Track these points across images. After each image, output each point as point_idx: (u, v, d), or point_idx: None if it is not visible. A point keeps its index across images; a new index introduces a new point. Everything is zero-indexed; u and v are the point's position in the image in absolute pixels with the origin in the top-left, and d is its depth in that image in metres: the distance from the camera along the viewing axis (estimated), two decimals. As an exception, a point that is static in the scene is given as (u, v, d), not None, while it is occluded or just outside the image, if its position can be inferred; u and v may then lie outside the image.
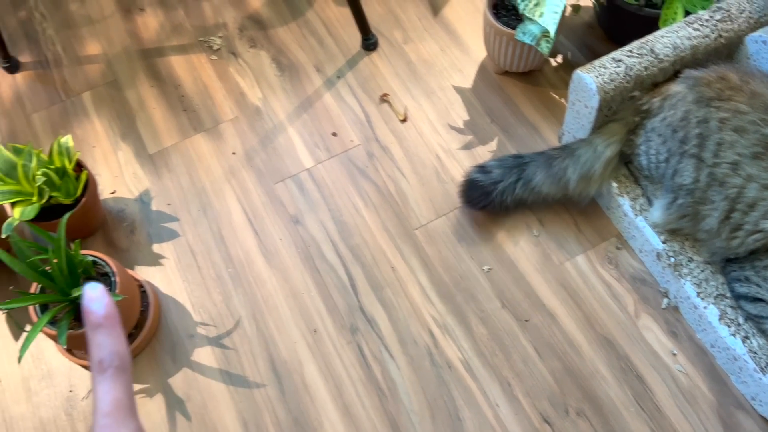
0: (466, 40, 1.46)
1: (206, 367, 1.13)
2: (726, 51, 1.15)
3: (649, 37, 1.13)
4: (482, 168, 1.23)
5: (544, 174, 1.18)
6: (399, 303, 1.17)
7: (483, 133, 1.34)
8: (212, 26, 1.52)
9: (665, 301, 1.15)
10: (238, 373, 1.12)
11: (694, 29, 1.13)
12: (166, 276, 1.21)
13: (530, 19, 1.17)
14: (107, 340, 0.38)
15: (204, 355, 1.14)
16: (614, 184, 1.18)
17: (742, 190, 1.01)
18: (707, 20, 1.13)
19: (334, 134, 1.35)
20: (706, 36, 1.12)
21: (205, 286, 1.20)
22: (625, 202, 1.17)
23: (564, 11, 1.21)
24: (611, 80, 1.09)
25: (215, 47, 1.48)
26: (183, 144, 1.35)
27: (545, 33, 1.16)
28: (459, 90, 1.40)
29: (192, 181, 1.31)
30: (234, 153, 1.34)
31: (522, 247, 1.22)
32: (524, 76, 1.41)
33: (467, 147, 1.33)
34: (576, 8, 1.32)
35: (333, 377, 1.11)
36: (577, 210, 1.24)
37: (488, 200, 1.21)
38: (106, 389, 0.37)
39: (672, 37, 1.12)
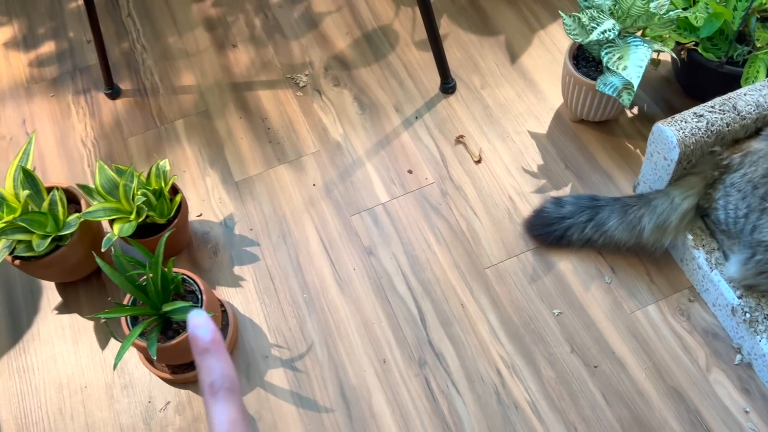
0: (543, 88, 1.50)
1: (278, 388, 1.17)
2: (810, 111, 1.15)
3: (732, 94, 1.15)
4: (557, 200, 1.27)
5: (618, 220, 1.20)
6: (467, 340, 1.19)
7: (556, 178, 1.37)
8: (299, 64, 1.60)
9: (738, 357, 1.14)
10: (308, 396, 1.16)
11: (778, 88, 1.14)
12: (245, 297, 1.27)
13: (612, 71, 1.20)
14: (216, 364, 0.39)
15: (277, 376, 1.18)
16: (689, 236, 1.18)
17: (824, 250, 1.00)
18: (791, 80, 1.14)
19: (410, 171, 1.40)
20: (790, 95, 1.13)
21: (281, 310, 1.25)
22: (700, 255, 1.17)
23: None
24: (692, 134, 1.11)
25: (301, 84, 1.56)
26: (267, 173, 1.42)
27: (627, 85, 1.19)
28: (534, 135, 1.43)
29: (274, 208, 1.37)
30: (314, 184, 1.40)
31: (593, 293, 1.23)
32: (599, 125, 1.43)
33: (540, 191, 1.35)
34: (655, 63, 1.34)
35: (400, 408, 1.13)
36: (649, 260, 1.25)
37: (547, 231, 1.24)
38: (221, 410, 0.38)
39: (755, 96, 1.13)
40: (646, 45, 1.15)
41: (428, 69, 1.55)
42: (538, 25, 1.62)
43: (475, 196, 1.36)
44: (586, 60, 1.35)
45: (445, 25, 1.65)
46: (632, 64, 1.13)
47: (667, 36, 1.27)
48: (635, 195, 1.21)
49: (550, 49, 1.57)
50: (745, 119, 1.12)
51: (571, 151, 1.41)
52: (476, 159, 1.41)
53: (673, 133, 1.11)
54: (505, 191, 1.36)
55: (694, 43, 1.27)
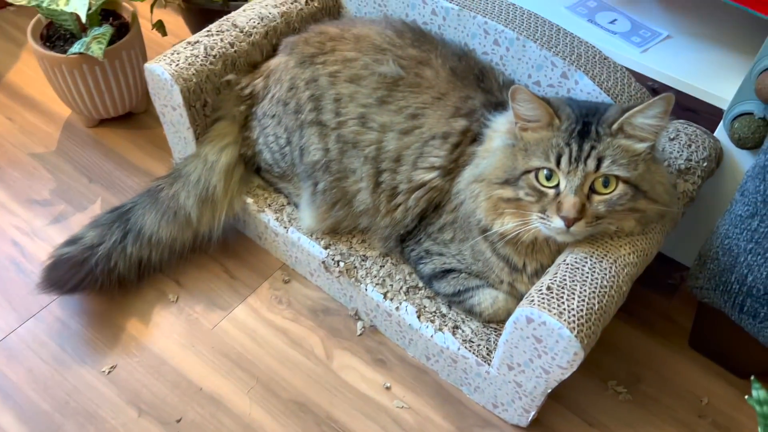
0: (43, 101, 1.12)
1: None
2: (326, 15, 0.97)
3: (231, 14, 0.91)
4: (72, 239, 0.86)
5: (154, 214, 0.85)
6: (-35, 473, 0.71)
7: (80, 198, 0.98)
8: None
9: (359, 324, 0.86)
10: None
11: (280, -3, 0.93)
12: None
13: (83, 36, 0.87)
14: None
15: None
16: (249, 200, 0.89)
17: (380, 145, 0.78)
18: (292, -14, 0.95)
19: None
20: (295, 1, 0.93)
21: None
22: (269, 218, 0.88)
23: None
24: (190, 64, 0.83)
25: None
26: None
27: (96, 36, 0.87)
28: (38, 157, 1.03)
29: None
30: None
31: (157, 323, 0.85)
32: (126, 121, 1.10)
33: (58, 220, 0.95)
34: (159, 26, 1.07)
35: None
36: (224, 254, 0.93)
37: (83, 274, 0.83)
38: None
39: (256, 9, 0.91)
40: (93, -28, 0.86)
41: None
42: (23, 37, 1.25)
43: (-41, 259, 0.90)
44: (63, 39, 1.01)
45: None
46: (76, -5, 0.82)
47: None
48: (163, 175, 0.89)
49: (46, 57, 1.21)
50: (252, 35, 0.88)
51: (93, 160, 1.04)
52: (-48, 209, 0.95)
53: (163, 68, 0.81)
54: (5, 236, 0.93)
55: (182, -16, 1.03)
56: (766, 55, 0.69)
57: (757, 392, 0.52)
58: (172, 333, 0.84)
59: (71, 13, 0.91)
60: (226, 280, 0.90)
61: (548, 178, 0.65)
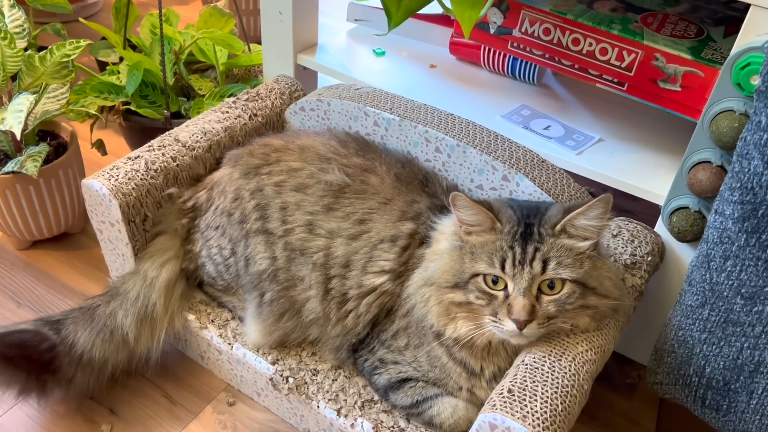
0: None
1: None
2: (270, 129, 0.98)
3: (173, 130, 0.91)
4: None
5: (88, 332, 0.79)
6: None
7: (6, 324, 0.92)
8: None
9: (312, 446, 0.80)
10: None
11: (223, 112, 0.94)
12: None
13: (18, 156, 0.85)
14: None
15: None
16: (191, 317, 0.85)
17: (329, 251, 0.76)
18: (234, 102, 0.96)
19: None
20: (239, 116, 0.94)
21: None
22: (211, 335, 0.83)
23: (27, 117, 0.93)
24: (129, 179, 0.81)
25: None
26: None
27: (31, 154, 0.85)
28: (-38, 283, 0.97)
29: None
30: None
31: (86, 459, 0.77)
32: (60, 241, 1.05)
33: (-20, 350, 0.88)
34: (99, 144, 1.06)
35: None
36: (163, 377, 0.86)
37: None
38: None
39: (199, 124, 0.91)
40: (26, 93, 0.85)
41: None
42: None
43: None
44: (-3, 159, 0.98)
45: None
46: (11, 114, 0.80)
47: (89, 102, 1.00)
48: (99, 294, 0.84)
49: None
50: (195, 149, 0.88)
51: (23, 284, 0.98)
52: None
53: (101, 184, 0.79)
54: None
55: (124, 103, 1.03)
56: (694, 151, 0.73)
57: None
58: (103, 469, 0.76)
59: (5, 132, 0.89)
60: (165, 406, 0.83)
61: (495, 282, 0.64)
